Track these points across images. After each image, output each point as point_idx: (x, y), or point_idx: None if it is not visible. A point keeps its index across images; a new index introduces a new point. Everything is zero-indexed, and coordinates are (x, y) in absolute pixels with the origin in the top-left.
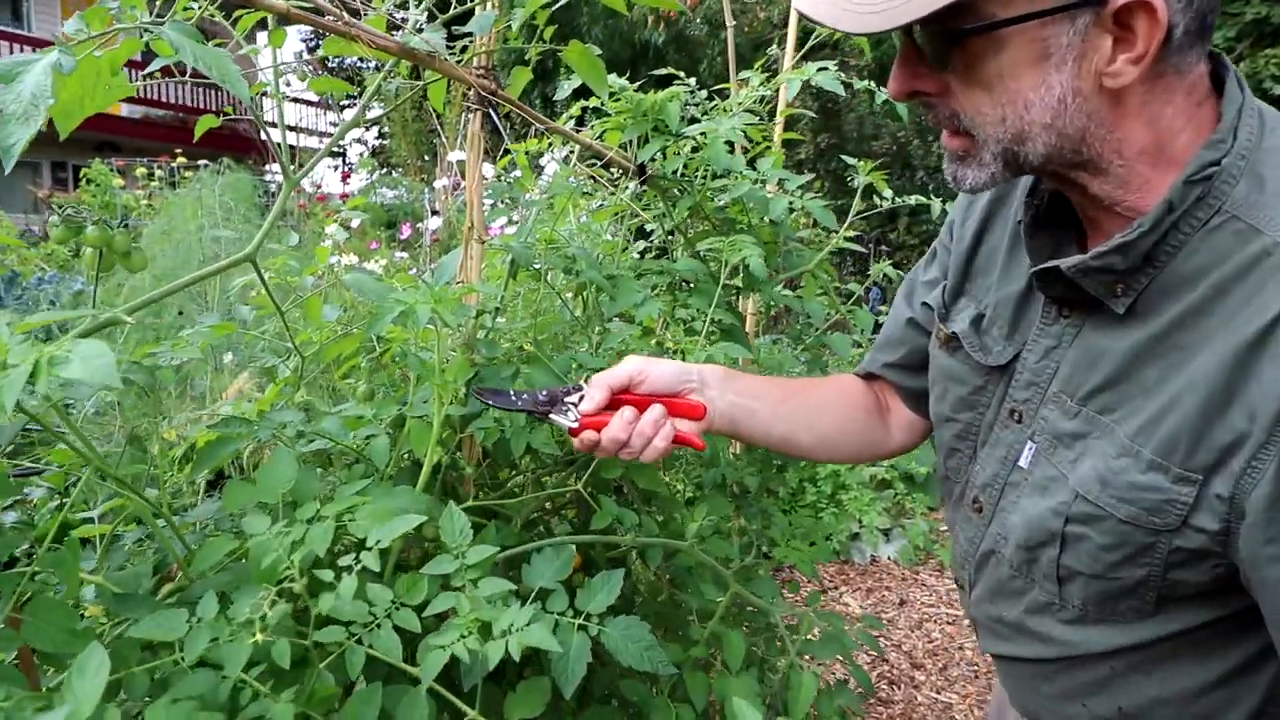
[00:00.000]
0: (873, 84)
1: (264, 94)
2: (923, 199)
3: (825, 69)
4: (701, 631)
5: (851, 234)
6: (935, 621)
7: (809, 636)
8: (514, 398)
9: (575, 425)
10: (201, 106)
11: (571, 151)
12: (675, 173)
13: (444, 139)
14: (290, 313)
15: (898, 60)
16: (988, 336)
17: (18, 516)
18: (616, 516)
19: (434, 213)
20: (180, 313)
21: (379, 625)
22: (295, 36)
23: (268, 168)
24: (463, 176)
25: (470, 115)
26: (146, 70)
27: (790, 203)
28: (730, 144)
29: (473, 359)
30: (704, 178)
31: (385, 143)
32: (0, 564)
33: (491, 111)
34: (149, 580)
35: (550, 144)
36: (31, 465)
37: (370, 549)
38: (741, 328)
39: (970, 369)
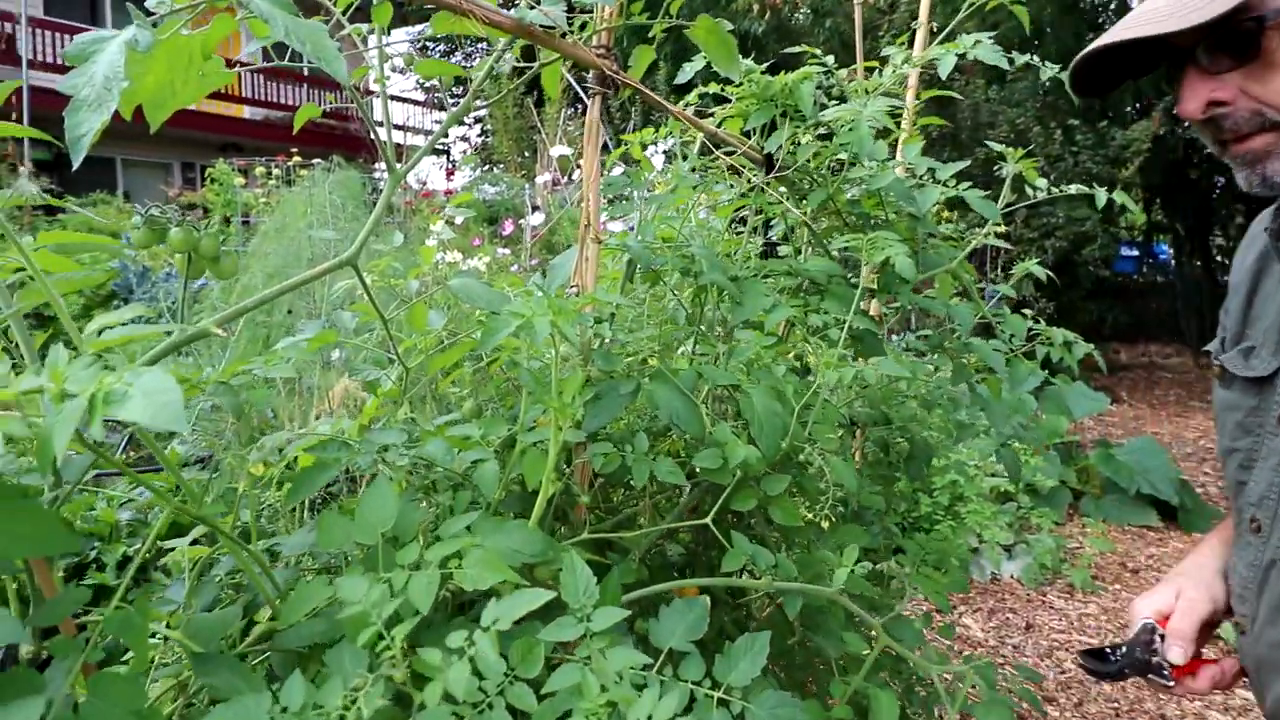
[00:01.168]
0: (1046, 62)
1: (370, 92)
2: (1084, 188)
3: (981, 41)
4: (843, 687)
5: (1001, 229)
6: (1067, 650)
7: (967, 691)
8: (1111, 658)
9: (1173, 684)
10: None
11: (687, 142)
12: (806, 162)
13: (544, 135)
14: (394, 318)
15: (1186, 83)
16: (1255, 359)
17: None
18: (751, 556)
19: (534, 208)
20: (290, 311)
21: (490, 705)
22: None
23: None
24: (562, 172)
25: (591, 100)
26: (247, 51)
27: (941, 193)
28: (878, 130)
29: (589, 373)
30: (838, 168)
31: (488, 140)
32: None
33: (577, 86)
34: (239, 620)
35: (669, 134)
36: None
37: (487, 629)
38: (876, 334)
39: (1241, 391)
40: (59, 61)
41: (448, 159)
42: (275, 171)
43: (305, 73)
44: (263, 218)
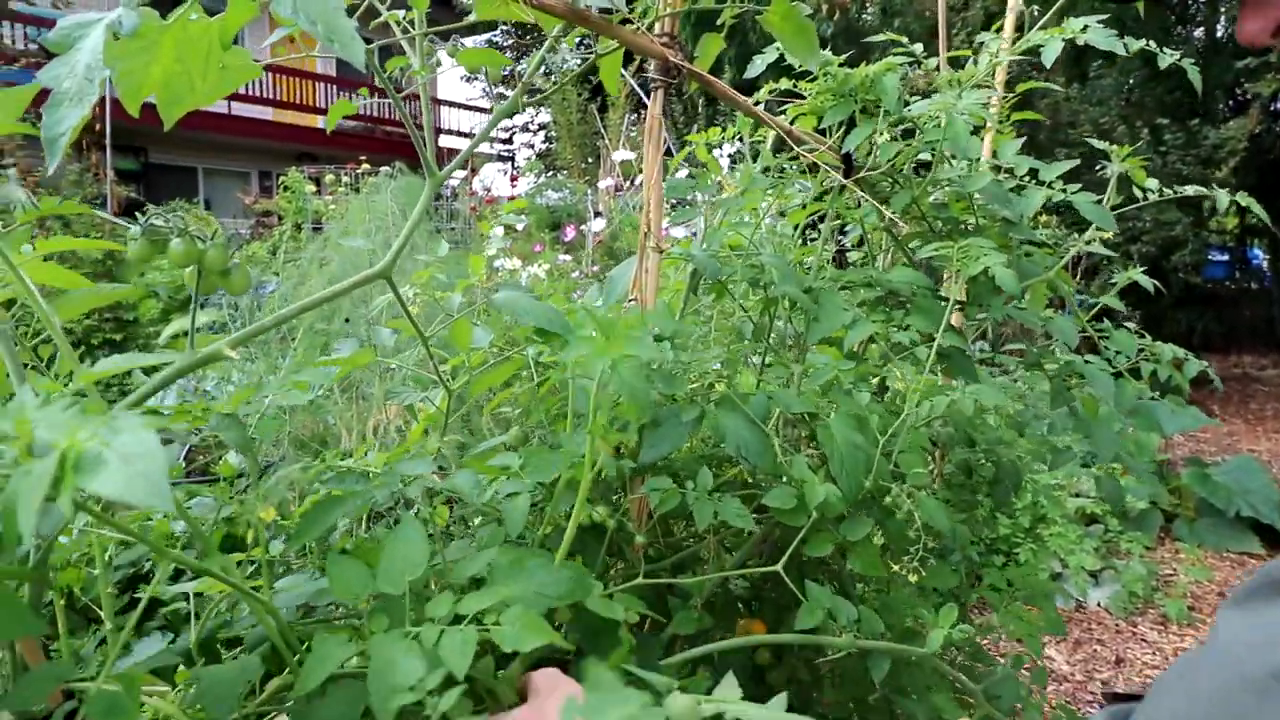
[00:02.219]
0: (1151, 44)
1: (436, 100)
2: (1201, 189)
3: (1090, 26)
4: None
5: (1106, 235)
6: None
7: None
8: None
9: None
10: (386, 116)
11: (757, 142)
12: (889, 162)
13: (607, 140)
14: (437, 335)
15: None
16: None
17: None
18: (829, 610)
19: (597, 214)
20: (347, 320)
21: None
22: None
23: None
24: (624, 177)
25: (652, 95)
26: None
27: (1049, 197)
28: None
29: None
30: (921, 168)
31: (551, 146)
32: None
33: (641, 92)
34: (258, 672)
35: (737, 134)
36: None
37: None
38: (965, 352)
39: None
40: None
41: (512, 165)
42: (345, 179)
43: (374, 81)
44: (331, 224)
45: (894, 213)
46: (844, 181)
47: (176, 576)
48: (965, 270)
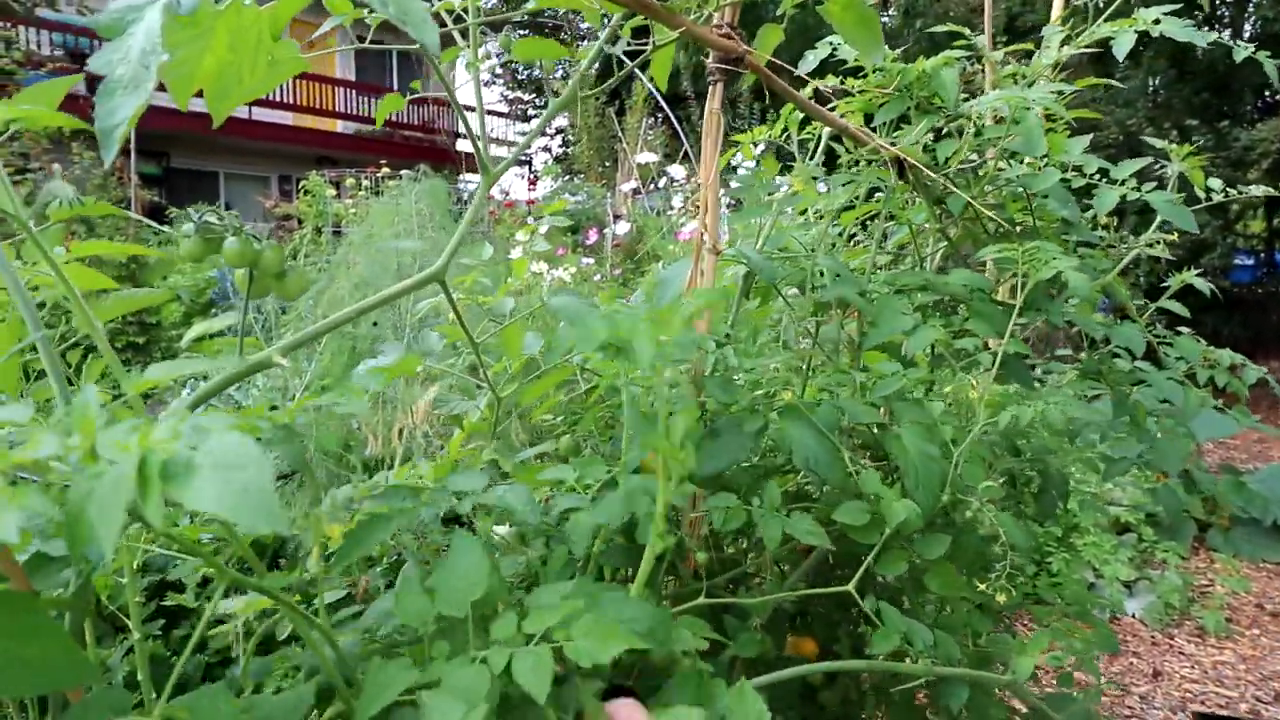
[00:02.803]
0: (1239, 42)
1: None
2: (1271, 190)
3: (1162, 17)
4: None
5: (1173, 237)
6: (1204, 703)
7: None
8: None
9: None
10: (407, 121)
11: (806, 140)
12: (945, 161)
13: (626, 144)
14: (484, 341)
15: None
16: None
17: None
18: (905, 635)
19: (616, 217)
20: (375, 324)
21: None
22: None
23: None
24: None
25: (711, 88)
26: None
27: (1124, 195)
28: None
29: (703, 401)
30: (975, 168)
31: (569, 150)
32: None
33: (669, 111)
34: (310, 698)
35: (784, 131)
36: None
37: None
38: (1026, 358)
39: None
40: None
41: (529, 169)
42: (365, 183)
43: (395, 86)
44: (352, 227)
45: (951, 214)
46: (895, 182)
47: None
48: (1035, 274)
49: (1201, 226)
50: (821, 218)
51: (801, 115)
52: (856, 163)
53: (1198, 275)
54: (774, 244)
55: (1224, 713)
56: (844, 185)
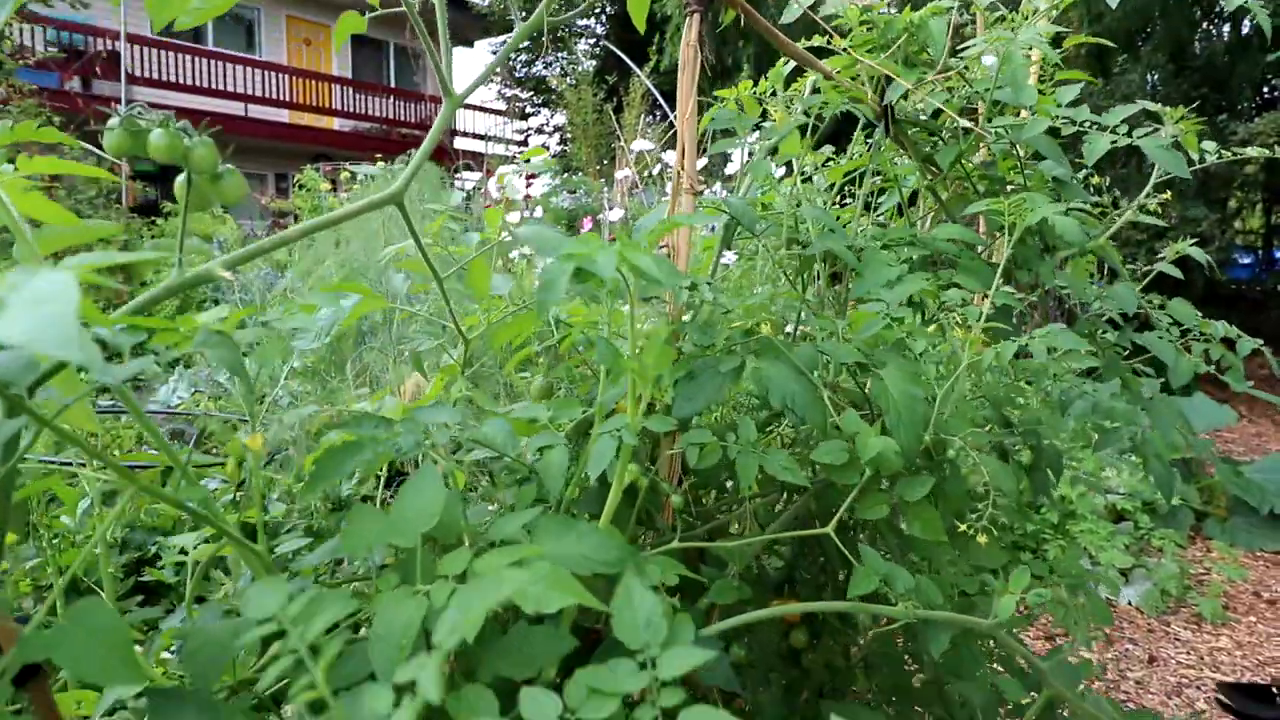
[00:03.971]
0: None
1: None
2: (1265, 150)
3: None
4: None
5: (1166, 196)
6: (1198, 688)
7: None
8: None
9: None
10: (404, 119)
11: (793, 98)
12: (933, 116)
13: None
14: (452, 287)
15: None
16: None
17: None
18: (884, 576)
19: (612, 208)
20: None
21: None
22: (485, 47)
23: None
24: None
25: (688, 21)
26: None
27: (1114, 142)
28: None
29: (680, 347)
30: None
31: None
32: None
33: (666, 108)
34: (252, 632)
35: (771, 88)
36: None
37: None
38: (1013, 310)
39: None
40: (162, 77)
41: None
42: (360, 177)
43: (392, 83)
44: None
45: (945, 165)
46: (882, 138)
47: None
48: (1021, 221)
49: (1199, 220)
50: (808, 180)
51: (787, 70)
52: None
53: (1197, 269)
54: (755, 193)
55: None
56: (813, 108)
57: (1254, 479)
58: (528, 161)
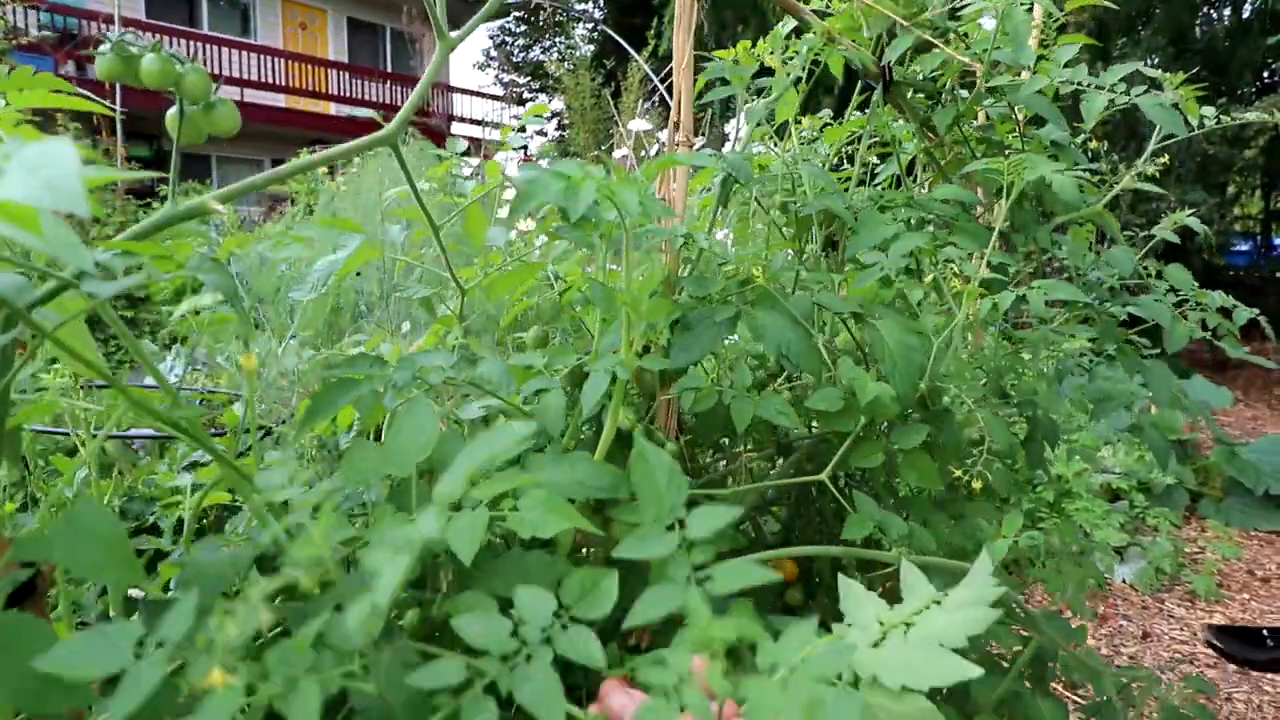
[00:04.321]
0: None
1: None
2: (1265, 116)
3: None
4: (988, 689)
5: (1163, 161)
6: (1193, 664)
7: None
8: (1268, 642)
9: None
10: (398, 104)
11: (790, 58)
12: (931, 78)
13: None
14: (455, 250)
15: None
16: None
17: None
18: (878, 523)
19: None
20: (359, 273)
21: (528, 657)
22: (483, 32)
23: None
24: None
25: None
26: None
27: (1112, 101)
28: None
29: (675, 299)
30: (966, 88)
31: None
32: None
33: (665, 94)
34: (248, 560)
35: (770, 50)
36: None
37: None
38: (1009, 267)
39: None
40: None
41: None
42: (356, 160)
43: (388, 67)
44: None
45: (944, 128)
46: (880, 100)
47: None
48: (1019, 181)
49: (1198, 204)
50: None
51: (786, 30)
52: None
53: (1195, 253)
54: (750, 147)
55: (1210, 672)
56: (811, 53)
57: (1250, 460)
58: (523, 130)
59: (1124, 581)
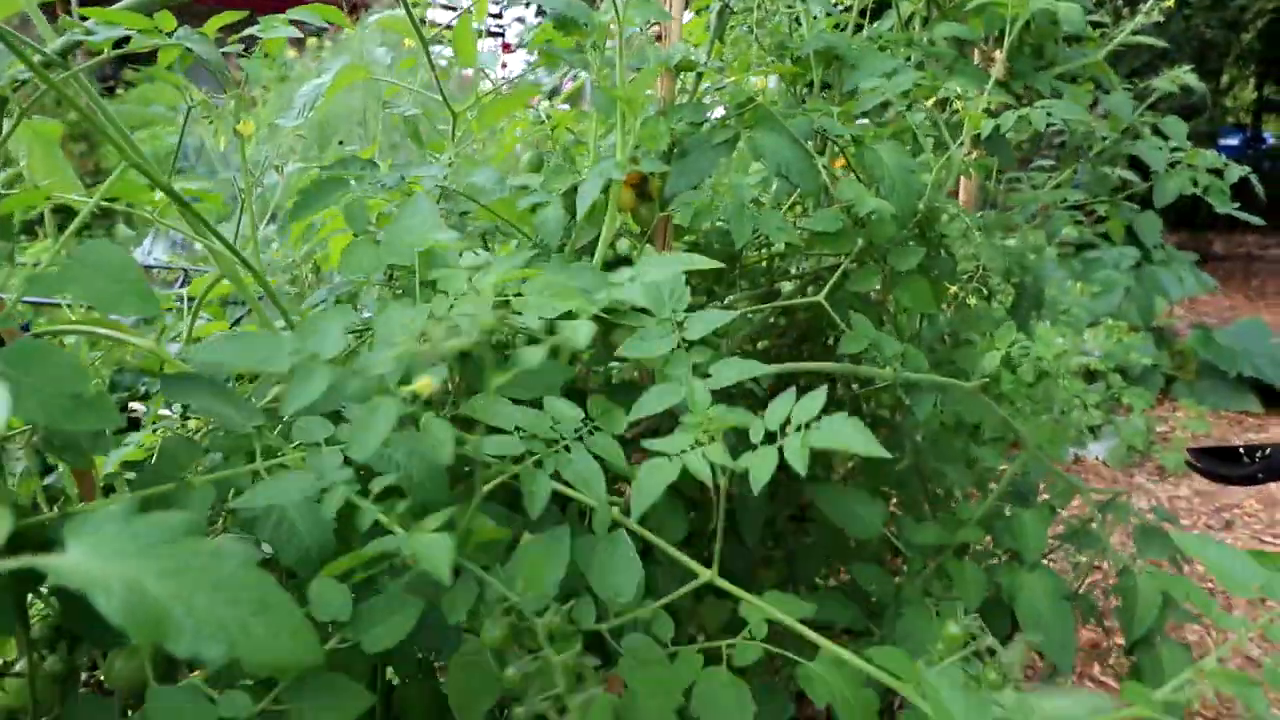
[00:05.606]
0: None
1: None
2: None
3: None
4: (970, 509)
5: (1166, 5)
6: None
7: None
8: (1245, 459)
9: None
10: None
11: None
12: None
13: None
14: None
15: None
16: None
17: None
18: (873, 342)
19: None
20: (341, 142)
21: (567, 448)
22: None
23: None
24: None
25: None
26: None
27: None
28: None
29: (672, 128)
30: None
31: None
32: None
33: None
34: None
35: None
36: None
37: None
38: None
39: None
40: None
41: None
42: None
43: None
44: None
45: None
46: None
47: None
48: (1023, 12)
49: (1191, 90)
50: None
51: None
52: None
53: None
54: None
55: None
56: None
57: (1225, 343)
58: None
59: (1097, 458)
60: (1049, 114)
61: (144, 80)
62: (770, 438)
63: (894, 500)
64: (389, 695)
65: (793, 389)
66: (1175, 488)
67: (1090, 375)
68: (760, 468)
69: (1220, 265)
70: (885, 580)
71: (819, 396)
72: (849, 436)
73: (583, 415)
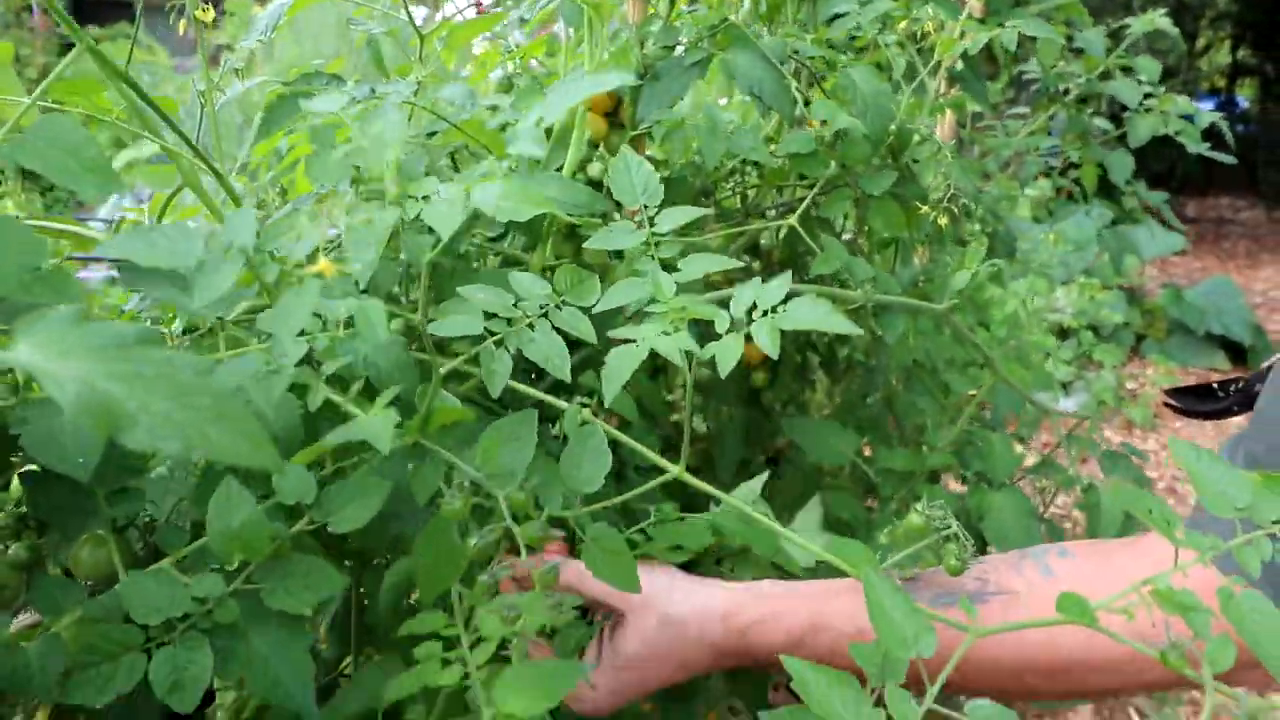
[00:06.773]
0: None
1: None
2: None
3: None
4: (938, 435)
5: None
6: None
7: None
8: (1219, 394)
9: None
10: None
11: None
12: None
13: None
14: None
15: None
16: None
17: None
18: (845, 265)
19: None
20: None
21: (530, 325)
22: None
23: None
24: None
25: None
26: None
27: None
28: None
29: (642, 55)
30: None
31: None
32: None
33: None
34: None
35: None
36: None
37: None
38: (978, 76)
39: None
40: None
41: None
42: None
43: None
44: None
45: None
46: None
47: None
48: None
49: (1166, 52)
50: None
51: None
52: None
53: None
54: None
55: None
56: None
57: (1194, 302)
58: None
59: (1068, 413)
60: (1017, 29)
61: (108, 36)
62: (736, 326)
63: (866, 441)
64: (359, 577)
65: (758, 277)
66: (1143, 441)
67: (1063, 332)
68: (726, 353)
69: (1192, 227)
70: (858, 507)
71: (785, 281)
72: (818, 317)
73: (549, 290)
